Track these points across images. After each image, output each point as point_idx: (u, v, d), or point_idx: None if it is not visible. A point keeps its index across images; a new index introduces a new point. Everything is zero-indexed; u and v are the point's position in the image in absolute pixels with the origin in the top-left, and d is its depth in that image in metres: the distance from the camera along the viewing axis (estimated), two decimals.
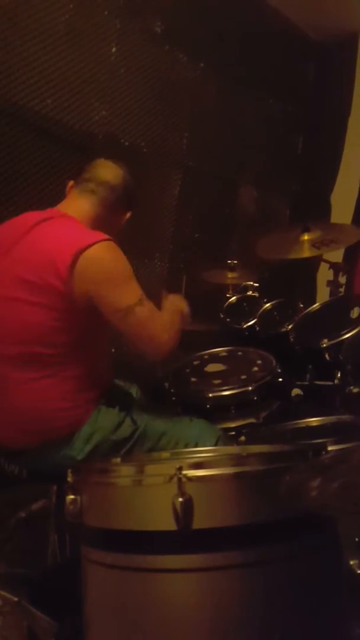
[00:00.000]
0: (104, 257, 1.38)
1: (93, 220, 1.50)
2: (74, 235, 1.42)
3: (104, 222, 1.50)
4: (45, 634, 1.18)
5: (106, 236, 1.41)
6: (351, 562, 0.91)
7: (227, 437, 1.53)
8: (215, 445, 1.46)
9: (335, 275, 2.45)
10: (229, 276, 2.43)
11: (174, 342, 1.44)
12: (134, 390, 1.69)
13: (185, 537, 0.82)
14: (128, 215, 1.59)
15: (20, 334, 1.38)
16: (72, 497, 0.93)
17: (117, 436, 1.42)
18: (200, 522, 0.82)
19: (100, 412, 1.43)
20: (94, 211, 1.51)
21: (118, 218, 1.57)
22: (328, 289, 2.45)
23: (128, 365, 1.69)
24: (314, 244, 2.10)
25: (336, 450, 0.96)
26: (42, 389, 1.39)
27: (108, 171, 1.56)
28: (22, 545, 1.64)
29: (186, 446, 1.45)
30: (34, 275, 1.36)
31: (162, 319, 1.46)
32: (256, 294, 2.33)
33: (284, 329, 2.00)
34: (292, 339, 1.94)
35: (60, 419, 1.39)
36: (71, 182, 1.57)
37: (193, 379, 1.86)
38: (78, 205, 1.51)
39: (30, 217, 1.50)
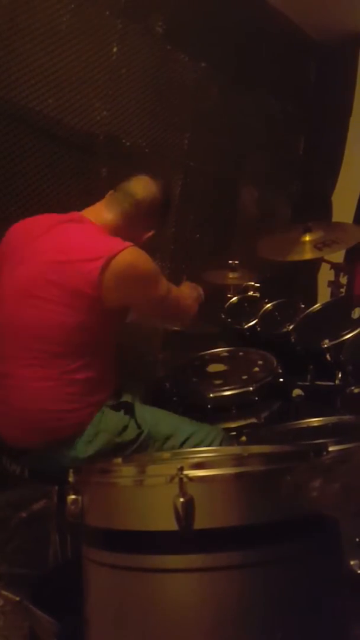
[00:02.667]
0: (134, 261, 1.42)
1: (111, 229, 1.51)
2: (99, 241, 1.44)
3: (122, 234, 1.50)
4: (46, 634, 1.18)
5: (129, 242, 1.43)
6: (352, 563, 0.91)
7: (230, 439, 1.54)
8: (219, 446, 1.46)
9: (337, 275, 2.45)
10: (230, 276, 2.43)
11: (197, 306, 1.72)
12: (137, 392, 1.69)
13: (186, 538, 0.82)
14: (150, 233, 1.59)
15: (40, 333, 1.38)
16: (73, 497, 0.93)
17: (122, 439, 1.42)
18: (201, 522, 0.82)
19: (105, 414, 1.43)
20: (114, 221, 1.51)
21: (139, 234, 1.56)
22: (329, 290, 2.45)
23: (130, 366, 1.70)
24: (315, 245, 2.10)
25: (337, 451, 0.96)
26: (50, 389, 1.39)
27: (140, 185, 1.56)
28: (24, 545, 1.64)
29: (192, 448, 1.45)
30: (60, 277, 1.38)
31: (185, 293, 1.71)
32: (257, 295, 2.33)
33: (285, 330, 2.00)
34: (293, 340, 1.94)
35: (65, 419, 1.39)
36: (110, 191, 1.58)
37: (194, 379, 1.86)
38: (101, 212, 1.53)
39: (53, 217, 1.52)
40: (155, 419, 1.49)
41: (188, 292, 1.73)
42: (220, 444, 1.47)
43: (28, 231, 1.50)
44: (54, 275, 1.38)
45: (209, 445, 1.45)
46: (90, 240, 1.45)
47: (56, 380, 1.38)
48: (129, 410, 1.48)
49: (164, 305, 1.55)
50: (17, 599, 1.27)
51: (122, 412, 1.46)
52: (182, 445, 1.45)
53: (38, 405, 1.39)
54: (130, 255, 1.41)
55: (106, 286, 1.37)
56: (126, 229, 1.52)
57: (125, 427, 1.43)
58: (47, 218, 1.52)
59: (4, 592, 1.30)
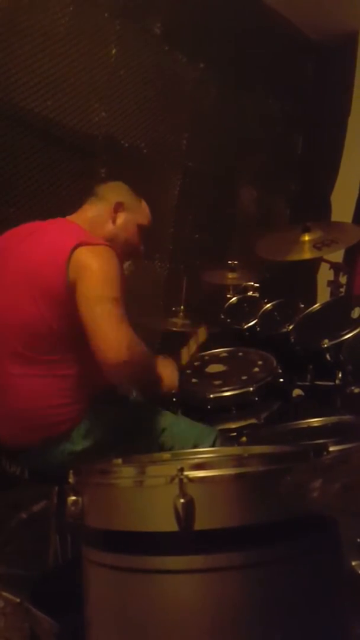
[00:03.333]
0: (100, 256, 1.38)
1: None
2: (73, 234, 1.44)
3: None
4: (46, 635, 1.18)
5: (105, 242, 1.43)
6: (353, 563, 0.91)
7: (225, 437, 1.54)
8: (213, 444, 1.47)
9: (336, 275, 2.45)
10: (229, 277, 2.43)
11: (131, 364, 1.32)
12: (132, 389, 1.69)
13: (186, 538, 0.82)
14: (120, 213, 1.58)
15: (23, 330, 1.39)
16: (73, 498, 0.93)
17: (117, 431, 1.42)
18: (201, 523, 0.82)
19: (99, 408, 1.44)
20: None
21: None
22: (329, 289, 2.45)
23: None
24: (314, 245, 2.11)
25: (337, 451, 0.96)
26: (41, 385, 1.40)
27: (114, 191, 1.60)
28: (24, 546, 1.64)
29: (184, 444, 1.45)
30: (36, 272, 1.39)
31: (130, 333, 1.34)
32: (256, 295, 2.33)
33: (284, 330, 2.00)
34: (292, 340, 1.94)
35: (59, 415, 1.40)
36: (91, 198, 1.60)
37: (194, 380, 1.86)
38: (84, 215, 1.56)
39: (37, 223, 1.54)
40: (149, 412, 1.50)
41: (141, 347, 1.37)
42: (214, 442, 1.47)
43: (13, 237, 1.52)
44: (34, 272, 1.39)
45: (201, 444, 1.46)
46: (63, 234, 1.46)
47: (46, 377, 1.39)
48: (125, 402, 1.50)
49: (96, 310, 1.31)
50: (18, 600, 1.27)
51: (117, 406, 1.47)
52: (174, 440, 1.46)
53: (31, 404, 1.40)
54: (99, 249, 1.38)
55: (70, 272, 1.35)
56: (110, 224, 1.54)
57: (120, 421, 1.44)
58: (31, 224, 1.55)
59: (4, 593, 1.30)
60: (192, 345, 1.83)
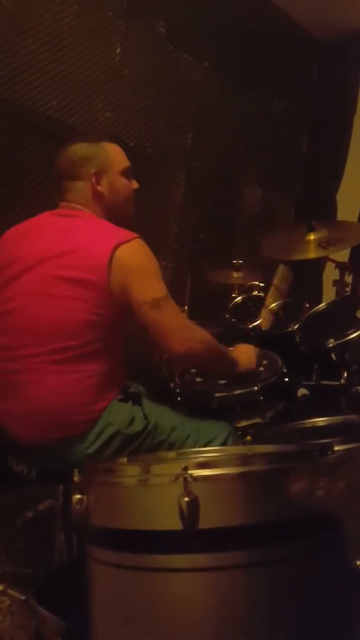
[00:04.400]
0: (138, 251, 1.44)
1: (105, 214, 1.54)
2: (106, 232, 1.46)
3: (111, 208, 1.55)
4: (52, 633, 1.19)
5: (136, 234, 1.46)
6: (357, 562, 0.91)
7: (237, 435, 1.54)
8: (225, 442, 1.47)
9: (342, 274, 2.44)
10: (234, 276, 2.43)
11: (196, 347, 1.46)
12: (141, 389, 1.69)
13: (191, 537, 0.82)
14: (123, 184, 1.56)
15: (54, 329, 1.40)
16: (78, 496, 0.93)
17: (130, 431, 1.43)
18: (206, 521, 0.82)
19: (113, 406, 1.44)
20: (95, 205, 1.54)
21: (113, 193, 1.55)
22: (334, 289, 2.44)
23: (134, 365, 1.70)
24: (320, 244, 2.10)
25: (342, 450, 0.96)
26: (65, 384, 1.39)
27: (62, 160, 1.58)
28: (29, 545, 1.65)
29: (196, 442, 1.46)
30: (71, 273, 1.40)
31: (185, 320, 1.56)
32: (262, 294, 2.33)
33: (289, 329, 2.00)
34: (298, 339, 1.93)
35: (80, 414, 1.40)
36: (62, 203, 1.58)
37: (199, 379, 1.86)
38: (88, 206, 1.54)
39: (48, 215, 1.54)
40: (160, 410, 1.51)
41: (205, 333, 1.52)
42: (227, 439, 1.47)
43: (26, 233, 1.52)
44: (63, 270, 1.40)
45: (213, 440, 1.46)
46: (96, 231, 1.47)
47: (71, 376, 1.39)
48: (137, 400, 1.49)
49: (155, 311, 1.41)
50: (23, 598, 1.28)
51: (130, 403, 1.47)
52: (187, 438, 1.46)
53: (53, 402, 1.39)
54: (135, 245, 1.43)
55: (111, 274, 1.38)
56: (101, 196, 1.53)
57: (133, 419, 1.44)
58: (43, 217, 1.55)
59: (10, 592, 1.30)
60: (274, 291, 1.85)
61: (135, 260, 1.42)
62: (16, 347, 1.42)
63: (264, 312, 1.84)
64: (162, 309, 1.42)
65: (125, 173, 1.59)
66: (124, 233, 1.46)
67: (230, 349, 1.67)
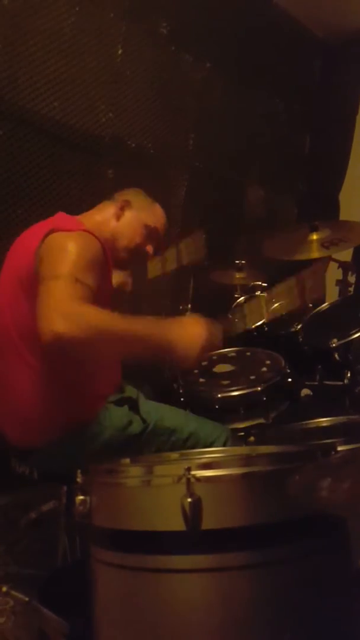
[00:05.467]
0: (71, 238, 1.27)
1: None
2: (58, 222, 1.41)
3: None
4: (55, 634, 1.19)
5: (87, 229, 1.35)
6: None
7: (237, 437, 1.53)
8: (224, 445, 1.46)
9: (345, 274, 2.44)
10: (237, 276, 2.43)
11: (74, 335, 1.11)
12: (145, 390, 1.69)
13: (194, 538, 0.82)
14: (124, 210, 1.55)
15: (31, 331, 1.37)
16: (81, 497, 0.93)
17: (128, 433, 1.42)
18: (209, 522, 0.82)
19: (109, 410, 1.43)
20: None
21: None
22: (337, 289, 2.44)
23: (138, 365, 1.69)
24: (323, 244, 2.09)
25: (346, 451, 0.96)
26: (53, 386, 1.39)
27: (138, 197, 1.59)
28: (33, 546, 1.65)
29: (195, 446, 1.45)
30: (19, 270, 1.36)
31: (73, 306, 1.15)
32: (264, 294, 2.32)
33: (292, 329, 1.99)
34: (301, 339, 1.93)
35: (70, 416, 1.39)
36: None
37: (201, 380, 1.86)
38: (93, 215, 1.55)
39: (43, 223, 1.51)
40: (159, 413, 1.49)
41: (98, 313, 1.17)
42: (225, 442, 1.47)
43: (21, 240, 1.50)
44: (17, 270, 1.37)
45: (213, 443, 1.45)
46: (48, 223, 1.40)
47: (59, 379, 1.38)
48: (133, 405, 1.48)
49: (40, 288, 1.17)
50: (27, 599, 1.28)
51: (125, 407, 1.46)
52: (186, 440, 1.46)
53: (42, 404, 1.39)
54: (73, 234, 1.28)
55: (38, 262, 1.26)
56: (115, 219, 1.53)
57: (130, 422, 1.43)
58: (41, 224, 1.51)
59: (14, 593, 1.30)
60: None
61: (57, 243, 1.25)
62: (2, 350, 1.42)
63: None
64: (46, 288, 1.17)
65: (150, 230, 1.57)
66: (69, 224, 1.33)
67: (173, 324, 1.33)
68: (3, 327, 1.42)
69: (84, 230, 1.33)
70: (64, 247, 1.24)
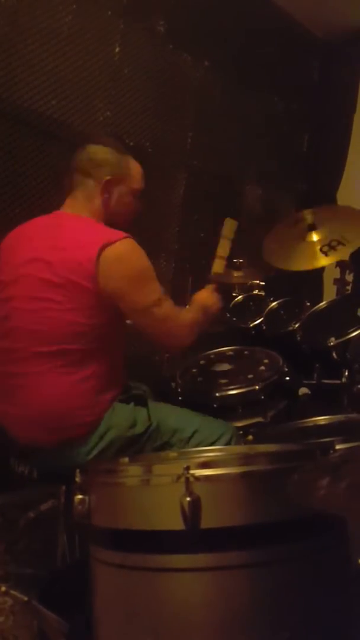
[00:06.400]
0: (127, 254, 1.42)
1: (97, 214, 1.52)
2: (94, 233, 1.45)
3: (108, 211, 1.53)
4: (55, 634, 1.19)
5: (126, 234, 1.44)
6: (359, 561, 0.91)
7: (240, 435, 1.54)
8: (229, 442, 1.46)
9: (342, 273, 2.44)
10: (235, 275, 2.42)
11: (193, 337, 1.55)
12: (144, 389, 1.69)
13: (193, 537, 0.82)
14: (129, 199, 1.56)
15: (49, 332, 1.39)
16: (80, 497, 0.93)
17: (132, 433, 1.43)
18: (208, 521, 0.82)
19: (115, 409, 1.44)
20: (92, 203, 1.52)
21: (119, 201, 1.54)
22: (335, 287, 2.44)
23: (136, 365, 1.70)
24: (321, 249, 2.09)
25: (344, 449, 0.96)
26: (64, 388, 1.39)
27: (83, 154, 1.56)
28: (32, 546, 1.65)
29: (199, 444, 1.45)
30: (56, 275, 1.39)
31: (180, 317, 1.55)
32: (262, 293, 2.32)
33: (290, 328, 2.00)
34: (299, 338, 1.94)
35: (80, 417, 1.40)
36: (68, 180, 1.57)
37: (200, 379, 1.86)
38: (78, 203, 1.53)
39: (43, 218, 1.53)
40: (163, 412, 1.50)
41: (189, 317, 1.58)
42: (230, 440, 1.47)
43: (23, 235, 1.52)
44: (50, 273, 1.39)
45: (217, 440, 1.45)
46: (83, 232, 1.46)
47: (70, 378, 1.39)
48: (141, 402, 1.49)
49: (147, 318, 1.45)
50: (26, 599, 1.28)
51: (132, 404, 1.47)
52: (190, 438, 1.46)
53: (53, 405, 1.39)
54: (123, 246, 1.41)
55: (99, 277, 1.37)
56: (107, 203, 1.52)
57: (135, 421, 1.44)
58: (39, 219, 1.54)
59: (13, 592, 1.30)
60: (224, 242, 1.90)
61: (125, 265, 1.41)
62: (15, 350, 1.42)
63: (217, 261, 1.89)
64: (154, 316, 1.45)
65: (136, 193, 1.59)
66: (112, 233, 1.43)
67: (194, 301, 1.68)
68: (24, 332, 1.41)
69: (126, 237, 1.43)
70: (135, 266, 1.45)
